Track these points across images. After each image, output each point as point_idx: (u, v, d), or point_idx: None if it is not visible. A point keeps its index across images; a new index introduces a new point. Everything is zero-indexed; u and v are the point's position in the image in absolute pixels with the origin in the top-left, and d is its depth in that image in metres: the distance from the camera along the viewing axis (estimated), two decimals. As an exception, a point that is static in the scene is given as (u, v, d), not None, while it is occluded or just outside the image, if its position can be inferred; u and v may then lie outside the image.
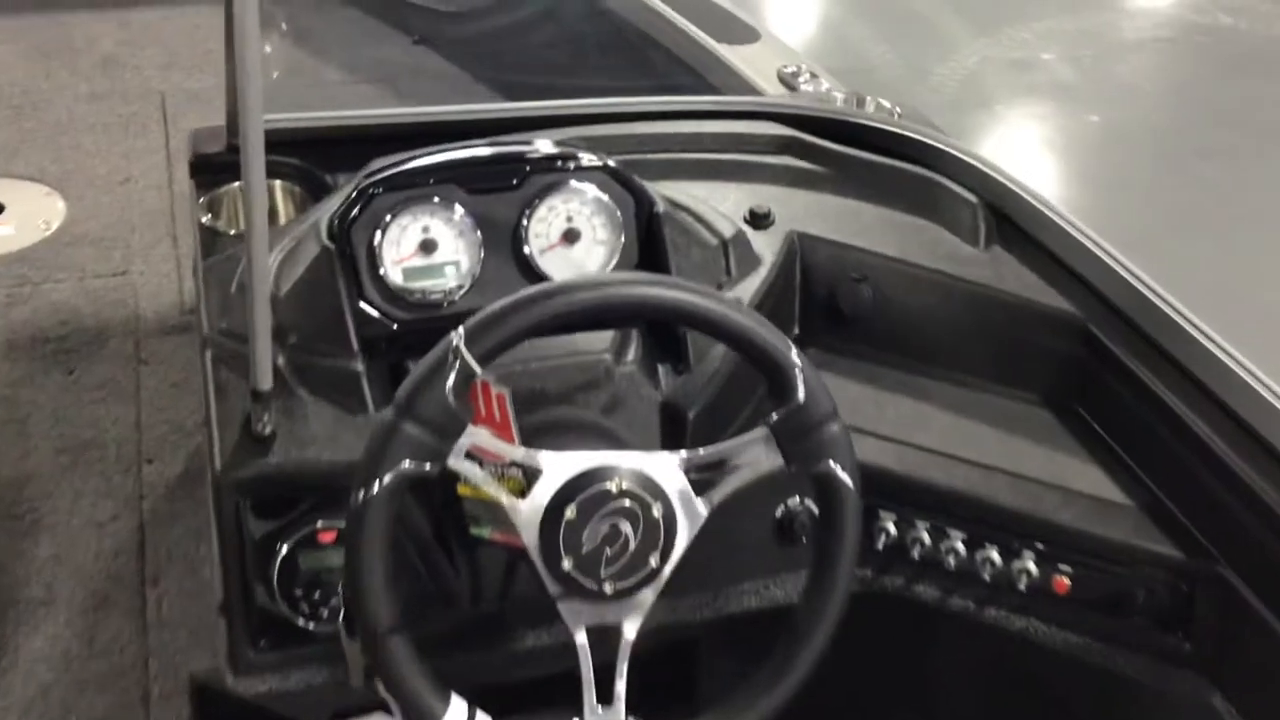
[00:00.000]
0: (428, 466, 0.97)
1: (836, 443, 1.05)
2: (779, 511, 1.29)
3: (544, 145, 1.31)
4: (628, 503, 1.02)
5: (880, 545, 1.29)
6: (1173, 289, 1.32)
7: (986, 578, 1.26)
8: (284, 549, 1.14)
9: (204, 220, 1.50)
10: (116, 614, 1.58)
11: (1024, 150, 3.87)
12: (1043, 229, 1.44)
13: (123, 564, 1.65)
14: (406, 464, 0.96)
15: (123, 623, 1.57)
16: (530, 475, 1.03)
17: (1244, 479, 1.14)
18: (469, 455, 1.00)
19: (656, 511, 1.03)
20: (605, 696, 1.04)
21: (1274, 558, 1.12)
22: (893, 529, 1.29)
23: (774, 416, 1.04)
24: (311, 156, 1.51)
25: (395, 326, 1.25)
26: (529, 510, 1.01)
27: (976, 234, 1.47)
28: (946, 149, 1.52)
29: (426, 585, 1.19)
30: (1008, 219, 1.48)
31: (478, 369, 0.97)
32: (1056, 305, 1.37)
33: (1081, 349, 1.35)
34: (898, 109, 1.73)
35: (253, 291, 1.08)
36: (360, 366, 1.21)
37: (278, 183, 1.52)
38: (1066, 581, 1.24)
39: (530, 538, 1.02)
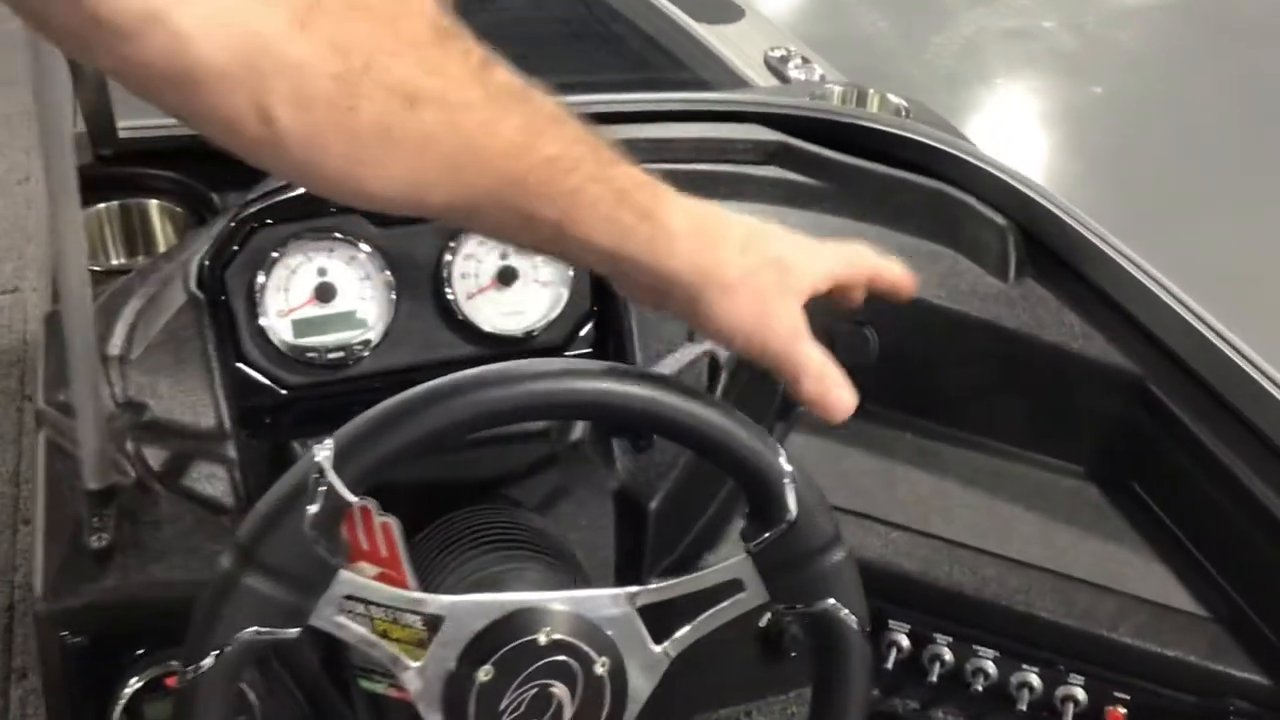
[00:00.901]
0: (283, 632, 0.72)
1: (839, 575, 0.80)
2: (764, 621, 1.04)
3: None
4: (562, 657, 0.77)
5: (890, 662, 1.04)
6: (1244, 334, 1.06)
7: (1024, 707, 1.01)
8: (125, 697, 0.89)
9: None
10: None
11: (1024, 129, 3.67)
12: (1088, 259, 1.17)
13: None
14: (251, 632, 0.70)
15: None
16: (431, 624, 0.77)
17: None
18: (347, 600, 0.74)
19: (600, 668, 0.78)
20: None
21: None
22: (906, 642, 1.04)
23: (757, 541, 0.79)
24: (196, 170, 1.24)
25: (285, 393, 1.01)
26: (429, 671, 0.76)
27: (1006, 264, 1.20)
28: (968, 158, 1.25)
29: None
30: (1043, 245, 1.21)
31: (351, 499, 0.71)
32: (1105, 356, 1.11)
33: (1138, 410, 1.09)
34: (906, 105, 1.46)
35: (74, 355, 0.84)
36: (233, 452, 0.96)
37: (153, 202, 1.26)
38: (1123, 713, 0.99)
39: (430, 708, 0.76)
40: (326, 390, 1.03)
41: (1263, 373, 1.02)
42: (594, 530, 0.99)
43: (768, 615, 1.04)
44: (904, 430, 1.17)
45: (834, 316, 1.18)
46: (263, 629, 0.70)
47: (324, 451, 0.71)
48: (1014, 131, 3.58)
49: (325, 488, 0.70)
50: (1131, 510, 1.10)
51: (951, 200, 1.25)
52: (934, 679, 1.03)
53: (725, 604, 0.81)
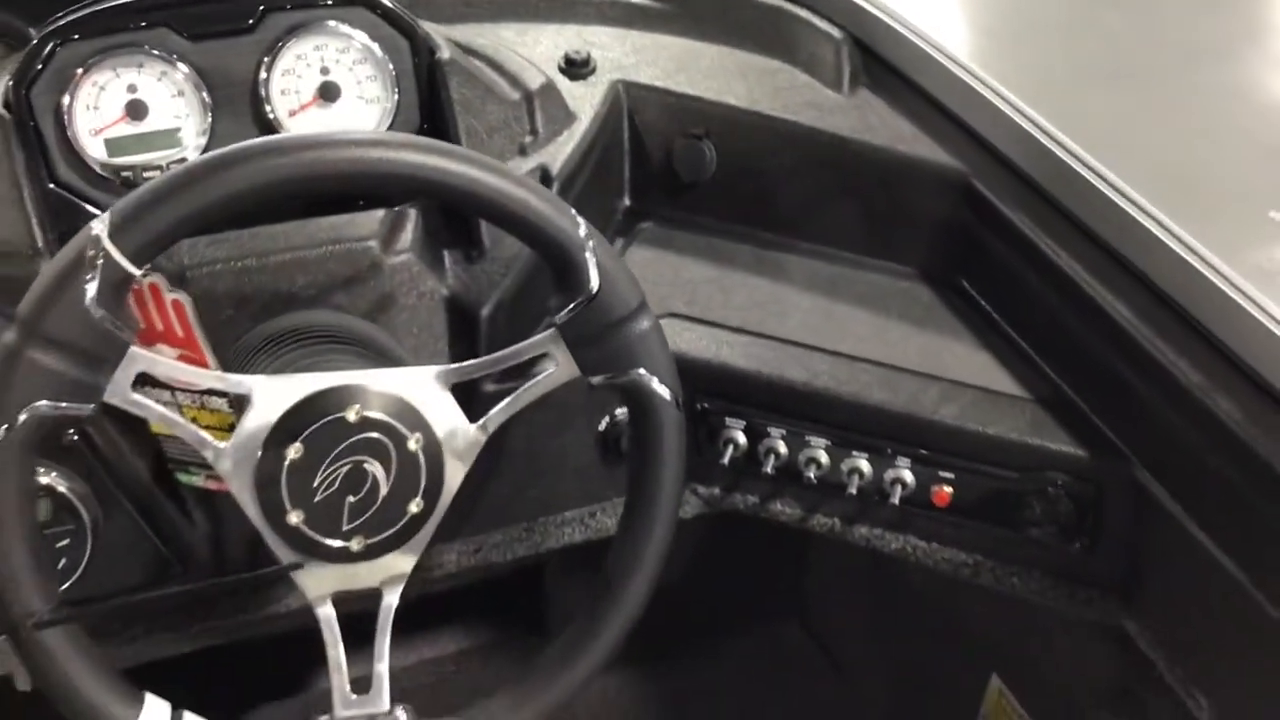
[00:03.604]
0: (77, 406, 0.71)
1: (645, 343, 0.81)
2: (603, 424, 1.05)
3: None
4: (374, 435, 0.78)
5: (727, 459, 1.06)
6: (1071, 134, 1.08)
7: (854, 490, 1.04)
8: None
9: None
10: None
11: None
12: (919, 69, 1.18)
13: None
14: (43, 405, 0.70)
15: None
16: (238, 405, 0.77)
17: (1163, 364, 0.92)
18: (141, 383, 0.74)
19: (414, 444, 0.79)
20: (362, 684, 0.81)
21: (1197, 455, 0.91)
22: (742, 439, 1.06)
23: (562, 313, 0.80)
24: (15, 5, 1.20)
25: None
26: (236, 452, 0.76)
27: (840, 76, 1.21)
28: (800, -27, 1.25)
29: (153, 544, 0.94)
30: (877, 57, 1.22)
31: (133, 270, 0.70)
32: (935, 158, 1.12)
33: (965, 209, 1.11)
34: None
35: None
36: None
37: None
38: (949, 491, 1.03)
39: (242, 488, 0.77)
40: None
41: (1088, 165, 1.04)
42: (425, 337, 0.98)
43: (606, 419, 1.05)
44: (743, 242, 1.19)
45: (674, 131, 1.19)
46: (53, 402, 0.70)
47: (99, 224, 0.70)
48: None
49: (103, 258, 0.69)
50: (960, 307, 1.12)
51: (787, 15, 1.25)
52: (769, 470, 1.05)
53: (538, 379, 0.82)
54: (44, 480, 0.88)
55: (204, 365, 0.78)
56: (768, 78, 1.21)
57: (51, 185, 0.97)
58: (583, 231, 0.78)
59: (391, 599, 0.82)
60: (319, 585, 0.80)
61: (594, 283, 0.78)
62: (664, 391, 0.82)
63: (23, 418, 0.70)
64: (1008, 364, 1.06)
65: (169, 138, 1.00)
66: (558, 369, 0.81)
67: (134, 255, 0.70)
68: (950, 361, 1.06)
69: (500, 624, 1.71)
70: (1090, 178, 1.03)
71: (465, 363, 0.80)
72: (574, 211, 0.79)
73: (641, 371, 0.81)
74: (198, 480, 0.86)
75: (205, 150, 1.00)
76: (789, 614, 1.80)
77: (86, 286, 0.69)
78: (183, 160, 0.99)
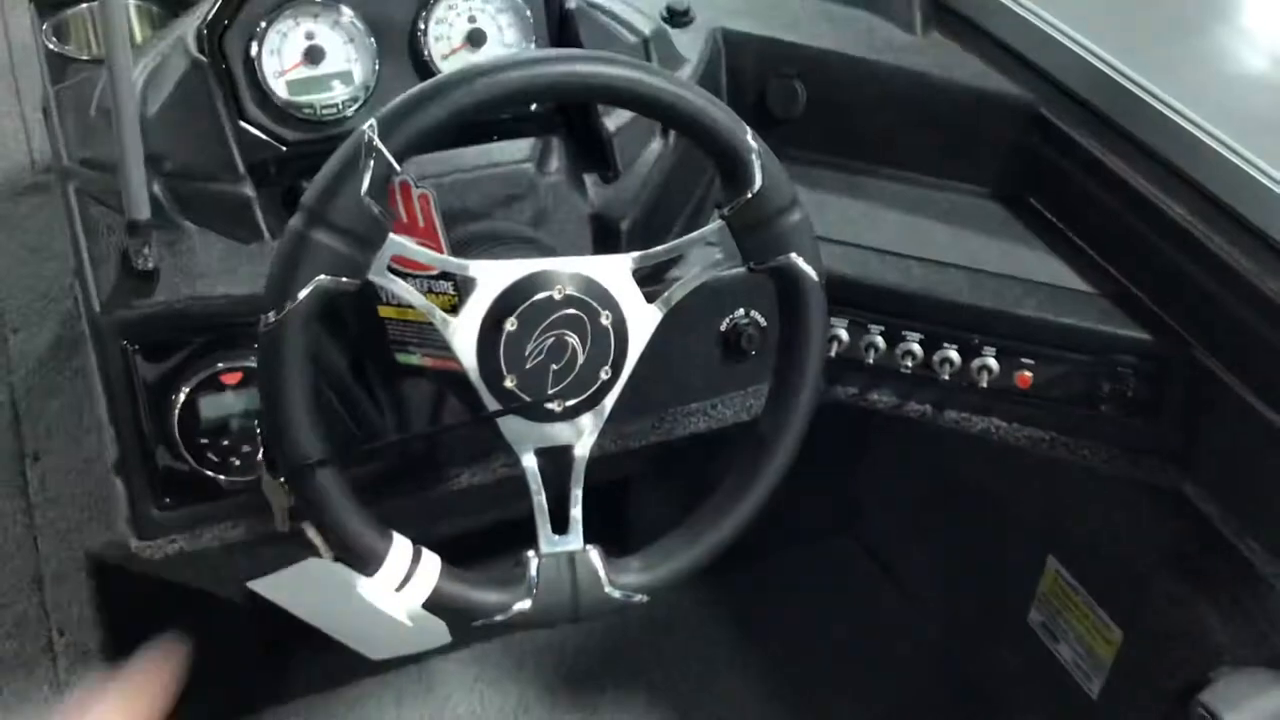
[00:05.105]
0: (346, 281, 0.85)
1: (798, 232, 0.96)
2: (724, 326, 1.20)
3: None
4: (573, 311, 0.92)
5: (833, 353, 1.21)
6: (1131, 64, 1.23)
7: (945, 378, 1.19)
8: (182, 396, 1.01)
9: (50, 45, 1.31)
10: (-6, 494, 1.44)
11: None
12: (985, 11, 1.34)
13: (-4, 441, 1.50)
14: (324, 278, 0.84)
15: (3, 502, 1.42)
16: (463, 288, 0.91)
17: (1217, 254, 1.08)
18: (392, 268, 0.88)
19: (605, 319, 0.93)
20: (560, 525, 0.95)
21: (1246, 332, 1.07)
22: (845, 336, 1.21)
23: (730, 207, 0.94)
24: None
25: (284, 149, 1.11)
26: (465, 326, 0.90)
27: (913, 20, 1.36)
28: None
29: (346, 426, 1.08)
30: (945, 5, 1.38)
31: (397, 165, 0.84)
32: (1006, 90, 1.28)
33: (1033, 135, 1.26)
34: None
35: (119, 106, 0.93)
36: (250, 191, 1.07)
37: (132, 2, 1.34)
38: (1029, 375, 1.18)
39: (467, 357, 0.91)
40: (321, 145, 1.13)
41: (1142, 86, 1.20)
42: (574, 250, 1.12)
43: (727, 320, 1.19)
44: (831, 171, 1.33)
45: (767, 73, 1.33)
46: (332, 277, 0.84)
47: (369, 128, 0.84)
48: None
49: (375, 156, 0.83)
50: (1029, 220, 1.28)
51: (864, -33, 1.40)
52: (870, 363, 1.20)
53: (705, 265, 0.97)
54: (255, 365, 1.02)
55: (441, 252, 0.92)
56: (849, 23, 1.36)
57: (241, 122, 1.10)
58: (749, 136, 0.93)
59: (583, 453, 0.96)
60: (525, 439, 0.94)
61: (758, 180, 0.93)
62: (812, 273, 0.96)
63: (308, 290, 0.83)
64: (1076, 267, 1.21)
65: (342, 79, 1.13)
66: (723, 255, 0.96)
67: (397, 153, 0.84)
68: (1025, 266, 1.21)
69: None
70: (1150, 100, 1.18)
71: (648, 250, 0.95)
72: (742, 120, 0.93)
73: (794, 256, 0.95)
74: (414, 359, 1.00)
75: (373, 90, 1.14)
76: (842, 529, 1.96)
77: (361, 179, 0.83)
78: (354, 99, 1.13)
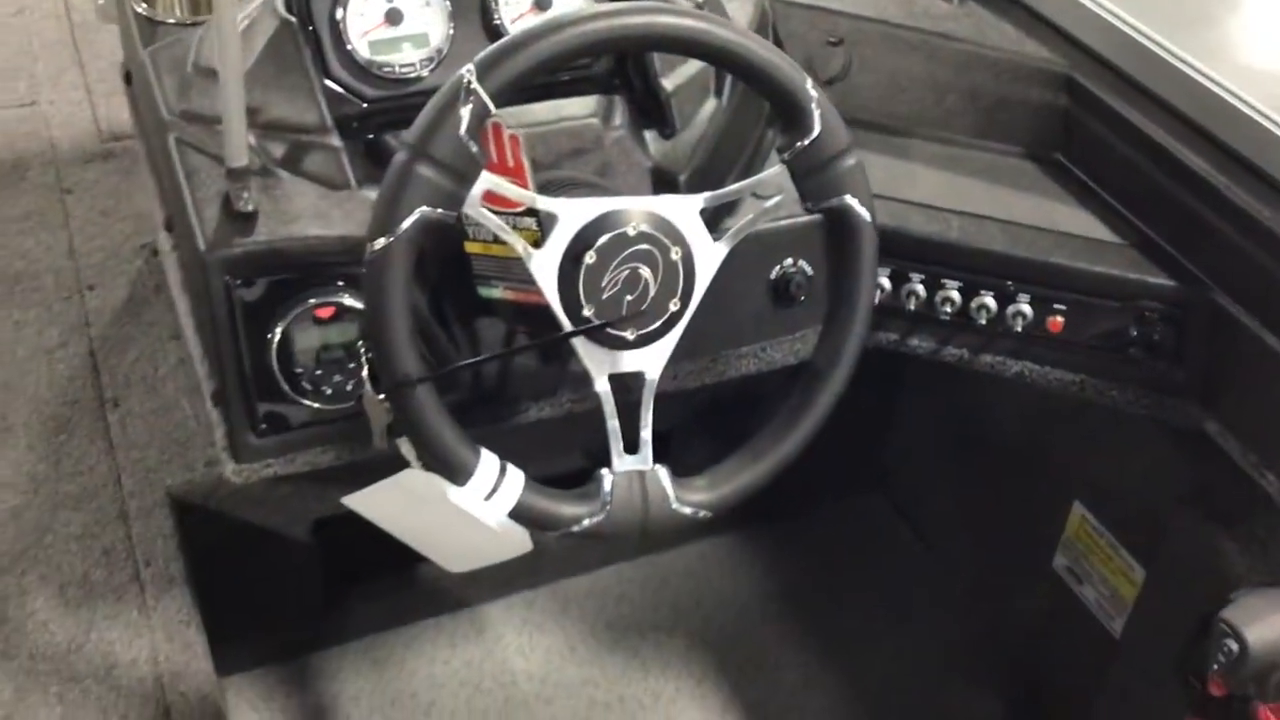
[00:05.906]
0: (444, 213, 0.93)
1: (853, 175, 1.03)
2: (774, 273, 1.28)
3: None
4: (646, 246, 1.00)
5: (876, 302, 1.28)
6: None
7: (982, 323, 1.27)
8: (279, 329, 1.09)
9: (140, 10, 1.40)
10: (79, 436, 1.52)
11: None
12: (1018, -20, 1.42)
13: (78, 389, 1.58)
14: (426, 209, 0.92)
15: (87, 445, 1.51)
16: (545, 223, 0.99)
17: (1237, 204, 1.16)
18: (483, 203, 0.96)
19: (675, 254, 1.01)
20: (631, 446, 1.03)
21: (1265, 276, 1.14)
22: (887, 284, 1.29)
23: (791, 151, 1.02)
24: None
25: (365, 105, 1.19)
26: (547, 259, 0.98)
27: (951, -11, 1.45)
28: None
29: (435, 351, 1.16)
30: None
31: (492, 107, 0.93)
32: (1038, 54, 1.35)
33: (1064, 97, 1.34)
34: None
35: (225, 62, 1.01)
36: (338, 142, 1.15)
37: None
38: (1061, 320, 1.26)
39: (549, 287, 0.99)
40: (400, 102, 1.21)
41: (1165, 48, 1.28)
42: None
43: (778, 267, 1.27)
44: (872, 131, 1.41)
45: (814, 38, 1.41)
46: (432, 208, 0.92)
47: (468, 71, 0.92)
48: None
49: (473, 97, 0.91)
50: (1060, 177, 1.36)
51: (903, -60, 1.48)
52: (910, 309, 1.28)
53: (767, 205, 1.05)
54: (346, 300, 1.10)
55: (528, 189, 1.00)
56: (889, -7, 1.44)
57: (326, 80, 1.18)
58: (809, 85, 1.01)
59: (653, 377, 1.04)
60: (600, 366, 1.02)
61: (817, 126, 1.01)
62: (865, 214, 1.04)
63: (411, 219, 0.92)
64: (1105, 219, 1.29)
65: (419, 40, 1.21)
66: (783, 196, 1.04)
67: (492, 96, 0.92)
68: (1057, 219, 1.29)
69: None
70: (1174, 62, 1.26)
71: (715, 191, 1.03)
72: (802, 70, 1.01)
73: (848, 198, 1.03)
74: (496, 292, 1.08)
75: (446, 51, 1.21)
76: (872, 487, 2.04)
77: (460, 119, 0.91)
78: (430, 60, 1.20)
